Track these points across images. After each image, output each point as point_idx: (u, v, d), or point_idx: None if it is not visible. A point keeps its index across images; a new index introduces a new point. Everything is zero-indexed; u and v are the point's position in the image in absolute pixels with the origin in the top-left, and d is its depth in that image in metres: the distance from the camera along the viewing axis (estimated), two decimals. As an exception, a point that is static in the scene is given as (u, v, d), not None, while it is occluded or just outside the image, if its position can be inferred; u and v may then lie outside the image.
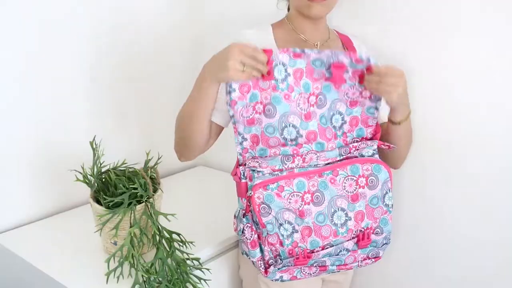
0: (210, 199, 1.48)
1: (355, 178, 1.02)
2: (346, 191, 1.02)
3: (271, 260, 1.05)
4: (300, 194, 1.00)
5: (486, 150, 1.13)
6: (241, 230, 1.05)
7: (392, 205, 1.05)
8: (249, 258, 1.07)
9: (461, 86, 1.14)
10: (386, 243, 1.08)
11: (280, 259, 1.04)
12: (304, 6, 1.06)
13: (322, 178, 1.02)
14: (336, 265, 1.06)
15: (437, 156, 1.21)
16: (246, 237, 1.05)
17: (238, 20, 1.54)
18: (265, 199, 0.99)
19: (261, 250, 1.05)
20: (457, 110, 1.15)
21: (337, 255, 1.04)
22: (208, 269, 1.11)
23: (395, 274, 1.37)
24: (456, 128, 1.16)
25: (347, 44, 1.18)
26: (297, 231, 1.01)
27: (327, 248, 1.03)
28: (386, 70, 0.97)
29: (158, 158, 1.18)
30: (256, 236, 1.05)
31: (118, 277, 1.03)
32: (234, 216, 1.08)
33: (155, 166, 1.16)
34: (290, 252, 1.03)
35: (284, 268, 1.04)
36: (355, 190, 1.02)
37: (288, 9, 1.18)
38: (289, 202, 1.00)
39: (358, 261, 1.08)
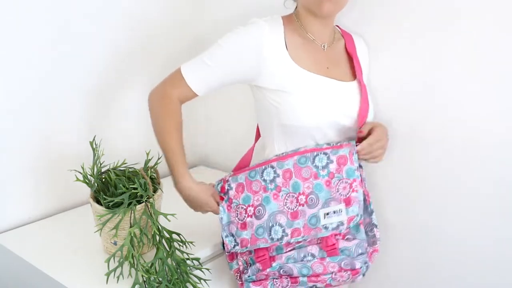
0: (210, 199, 1.47)
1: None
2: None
3: (245, 270, 1.09)
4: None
5: (483, 151, 1.13)
6: (222, 244, 1.11)
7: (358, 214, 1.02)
8: (231, 271, 1.12)
9: (459, 86, 1.14)
10: (362, 253, 1.03)
11: (250, 266, 1.08)
12: (314, 4, 1.03)
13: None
14: (306, 276, 1.05)
15: (432, 157, 1.21)
16: (226, 250, 1.10)
17: (238, 20, 1.54)
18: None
19: (237, 262, 1.11)
20: (453, 111, 1.15)
21: (302, 260, 1.04)
22: (208, 269, 1.11)
23: (394, 275, 1.37)
24: (452, 129, 1.16)
25: (348, 44, 1.16)
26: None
27: (291, 251, 1.05)
28: (374, 140, 1.04)
29: (158, 158, 1.17)
30: None
31: (118, 277, 1.03)
32: None
33: (155, 166, 1.16)
34: (257, 259, 1.07)
35: (254, 277, 1.07)
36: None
37: (295, 8, 1.17)
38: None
39: (331, 273, 1.04)
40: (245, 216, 1.06)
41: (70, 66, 1.33)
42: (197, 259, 1.08)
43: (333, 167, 1.02)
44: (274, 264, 1.05)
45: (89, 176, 1.09)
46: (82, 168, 1.10)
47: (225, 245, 1.10)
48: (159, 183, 1.14)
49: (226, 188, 1.10)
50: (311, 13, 1.07)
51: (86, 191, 1.12)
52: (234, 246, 1.07)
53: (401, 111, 1.23)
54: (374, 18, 1.23)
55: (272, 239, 1.03)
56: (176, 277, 1.02)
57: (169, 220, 1.06)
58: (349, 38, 1.17)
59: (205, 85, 1.06)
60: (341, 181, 1.01)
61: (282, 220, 1.03)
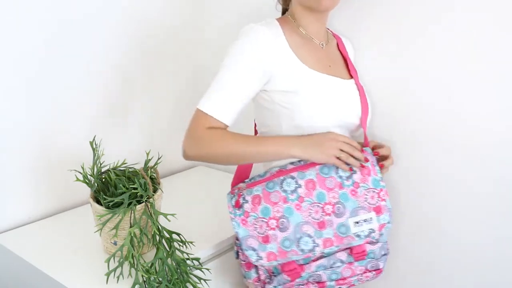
0: (210, 199, 1.48)
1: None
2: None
3: (267, 279, 1.06)
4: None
5: (483, 150, 1.13)
6: (236, 252, 1.08)
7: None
8: (247, 280, 1.09)
9: (459, 85, 1.14)
10: (385, 254, 1.06)
11: (274, 276, 1.05)
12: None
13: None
14: (334, 280, 1.05)
15: (432, 156, 1.21)
16: (240, 259, 1.08)
17: (238, 21, 1.54)
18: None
19: (257, 271, 1.07)
20: (456, 112, 1.15)
21: (332, 267, 1.03)
22: (208, 269, 1.11)
23: (395, 274, 1.37)
24: (452, 129, 1.16)
25: (340, 45, 1.18)
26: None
27: (320, 259, 1.03)
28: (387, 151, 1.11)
29: (158, 158, 1.18)
30: None
31: (118, 277, 1.02)
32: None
33: (155, 166, 1.16)
34: (283, 267, 1.04)
35: (280, 286, 1.05)
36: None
37: (284, 12, 1.16)
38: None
39: (357, 274, 1.05)
40: (266, 229, 1.01)
41: (70, 66, 1.33)
42: (197, 259, 1.08)
43: (357, 177, 1.02)
44: (303, 274, 1.03)
45: (89, 176, 1.09)
46: (82, 168, 1.10)
47: (246, 258, 1.07)
48: (159, 183, 1.14)
49: (240, 202, 1.04)
50: (307, 10, 1.06)
51: (86, 191, 1.12)
52: (258, 259, 1.02)
53: (400, 111, 1.23)
54: (373, 17, 1.23)
55: (302, 250, 1.00)
56: (176, 277, 1.02)
57: (169, 220, 1.06)
58: (339, 39, 1.19)
59: (230, 111, 1.00)
60: (368, 190, 1.02)
61: (310, 231, 1.01)
